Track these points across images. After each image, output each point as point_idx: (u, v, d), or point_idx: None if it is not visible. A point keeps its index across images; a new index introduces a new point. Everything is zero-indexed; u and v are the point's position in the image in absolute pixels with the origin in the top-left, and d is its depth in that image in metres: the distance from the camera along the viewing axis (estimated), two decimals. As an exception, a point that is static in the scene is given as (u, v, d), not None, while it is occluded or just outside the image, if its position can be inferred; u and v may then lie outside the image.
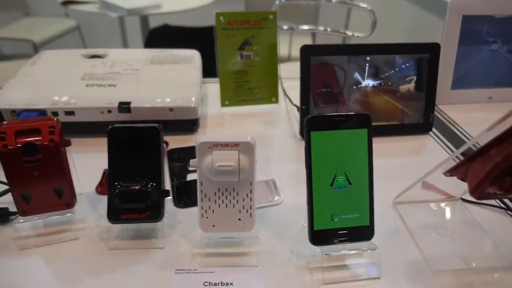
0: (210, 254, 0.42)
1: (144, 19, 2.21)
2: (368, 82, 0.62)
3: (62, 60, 0.70)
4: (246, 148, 0.39)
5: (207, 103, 0.72)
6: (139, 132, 0.43)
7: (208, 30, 1.63)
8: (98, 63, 0.69)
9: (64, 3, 1.94)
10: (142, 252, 0.43)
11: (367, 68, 0.61)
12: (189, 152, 0.58)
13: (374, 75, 0.62)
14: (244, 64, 0.68)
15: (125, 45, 3.06)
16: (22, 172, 0.41)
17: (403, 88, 0.63)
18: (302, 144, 0.62)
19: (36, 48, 2.53)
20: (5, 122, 0.41)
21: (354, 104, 0.63)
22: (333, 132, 0.41)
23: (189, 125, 0.62)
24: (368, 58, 0.61)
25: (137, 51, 0.75)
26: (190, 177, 0.54)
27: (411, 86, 0.63)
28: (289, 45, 1.48)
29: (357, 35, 1.41)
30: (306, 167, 0.41)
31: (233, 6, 3.03)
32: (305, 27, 1.41)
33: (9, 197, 0.46)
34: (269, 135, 0.64)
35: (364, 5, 1.38)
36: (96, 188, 0.51)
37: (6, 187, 0.48)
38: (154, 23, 2.32)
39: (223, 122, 0.67)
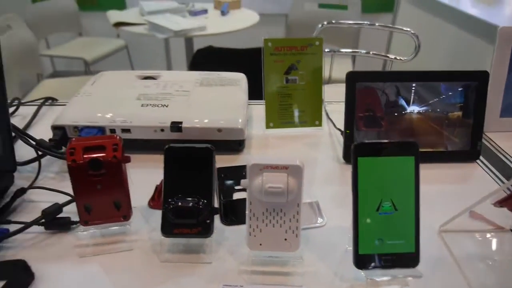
0: (256, 272, 0.44)
1: (189, 41, 2.31)
2: (413, 108, 0.62)
3: (119, 80, 0.75)
4: (295, 171, 0.41)
5: (251, 124, 0.75)
6: (193, 152, 0.45)
7: (250, 52, 1.69)
8: (152, 84, 0.73)
9: (115, 25, 2.06)
10: (191, 266, 0.45)
11: (412, 94, 0.62)
12: (236, 172, 0.61)
13: (420, 101, 0.62)
14: (290, 87, 0.70)
15: (168, 64, 3.19)
16: (87, 185, 0.44)
17: (450, 115, 0.63)
18: (345, 167, 0.63)
19: (88, 65, 2.69)
20: (73, 139, 0.45)
21: (398, 129, 0.63)
22: (380, 159, 0.41)
23: (236, 145, 0.65)
24: (414, 84, 0.61)
25: (187, 73, 0.79)
26: (236, 196, 0.56)
27: (458, 113, 0.62)
28: (330, 68, 1.50)
29: (400, 58, 1.40)
30: (352, 191, 0.42)
31: (274, 28, 3.10)
32: (348, 50, 1.42)
33: (69, 208, 0.50)
34: (312, 158, 0.66)
35: (407, 29, 1.37)
36: (149, 203, 0.54)
37: (68, 198, 0.52)
38: (197, 44, 2.41)
39: (268, 143, 0.69)
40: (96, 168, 0.44)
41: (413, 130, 0.63)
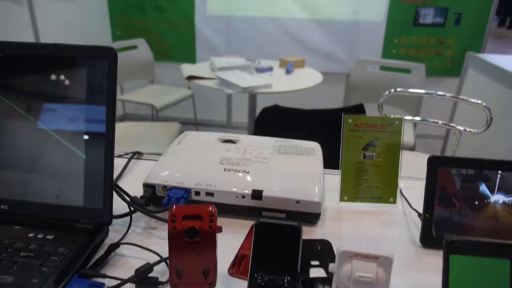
0: None
1: (253, 96, 2.42)
2: (498, 198, 0.61)
3: (202, 142, 0.81)
4: (384, 262, 0.42)
5: (324, 195, 0.76)
6: (282, 228, 0.48)
7: (314, 113, 1.73)
8: (232, 148, 0.78)
9: (188, 78, 2.21)
10: None
11: (497, 181, 0.61)
12: (311, 246, 0.62)
13: (507, 190, 0.61)
14: (366, 163, 0.71)
15: (229, 115, 3.33)
16: (182, 251, 0.48)
17: (538, 207, 0.60)
18: (423, 252, 0.62)
19: (156, 111, 2.88)
20: (175, 206, 0.49)
21: (480, 220, 0.61)
22: (473, 258, 0.41)
23: (311, 218, 0.66)
24: (500, 172, 0.60)
25: (264, 139, 0.84)
26: (312, 272, 0.57)
27: (548, 207, 0.60)
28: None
29: (470, 130, 1.38)
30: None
31: (334, 86, 3.17)
32: (417, 118, 1.42)
33: (157, 268, 0.54)
34: (387, 238, 0.65)
35: (479, 101, 1.36)
36: (229, 270, 0.57)
37: (156, 256, 0.56)
38: (260, 99, 2.52)
39: (341, 216, 0.70)
40: (192, 236, 0.47)
41: (501, 223, 0.61)
